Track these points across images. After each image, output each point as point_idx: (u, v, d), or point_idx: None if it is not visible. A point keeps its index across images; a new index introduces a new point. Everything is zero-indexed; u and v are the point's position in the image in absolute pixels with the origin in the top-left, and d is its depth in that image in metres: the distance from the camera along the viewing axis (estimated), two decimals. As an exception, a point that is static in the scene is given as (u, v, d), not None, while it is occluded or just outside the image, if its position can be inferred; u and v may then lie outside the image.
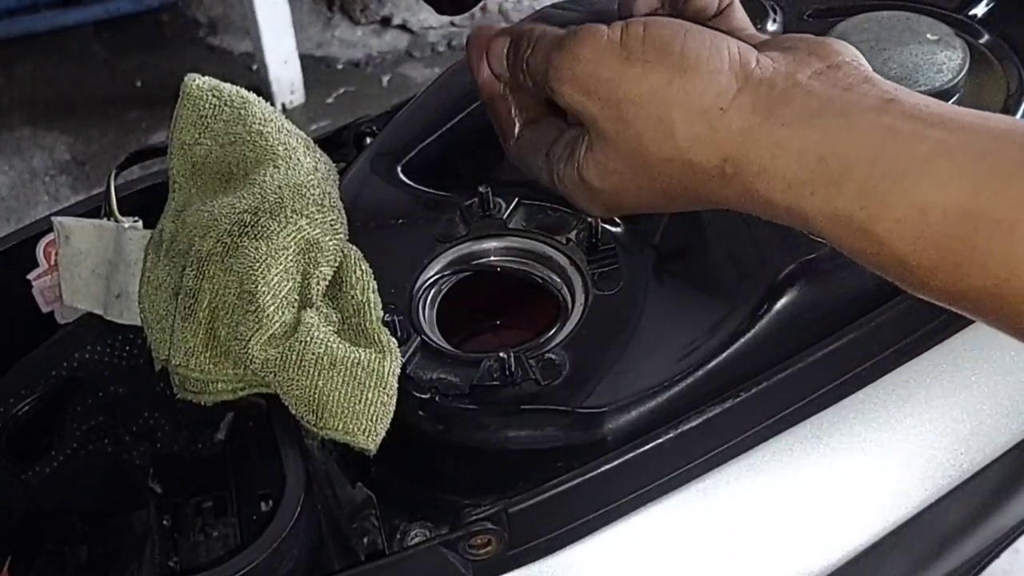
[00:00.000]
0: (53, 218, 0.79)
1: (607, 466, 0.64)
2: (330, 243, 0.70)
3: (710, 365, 0.66)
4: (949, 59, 0.78)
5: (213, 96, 0.77)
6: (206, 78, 0.79)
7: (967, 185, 0.48)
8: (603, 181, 0.60)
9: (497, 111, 0.69)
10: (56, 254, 0.79)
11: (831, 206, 0.51)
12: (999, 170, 0.48)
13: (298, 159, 0.75)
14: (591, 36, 0.58)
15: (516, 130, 0.68)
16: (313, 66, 2.71)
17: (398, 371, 0.66)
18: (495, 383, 0.67)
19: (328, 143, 0.84)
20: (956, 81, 0.77)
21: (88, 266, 0.78)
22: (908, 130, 0.50)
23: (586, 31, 0.58)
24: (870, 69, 0.55)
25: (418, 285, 0.74)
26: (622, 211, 0.63)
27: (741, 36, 0.62)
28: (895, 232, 0.50)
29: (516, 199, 0.77)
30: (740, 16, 0.66)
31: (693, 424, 0.65)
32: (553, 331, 0.71)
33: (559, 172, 0.63)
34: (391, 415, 0.65)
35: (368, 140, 0.86)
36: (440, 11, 0.70)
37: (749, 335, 0.67)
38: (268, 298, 0.67)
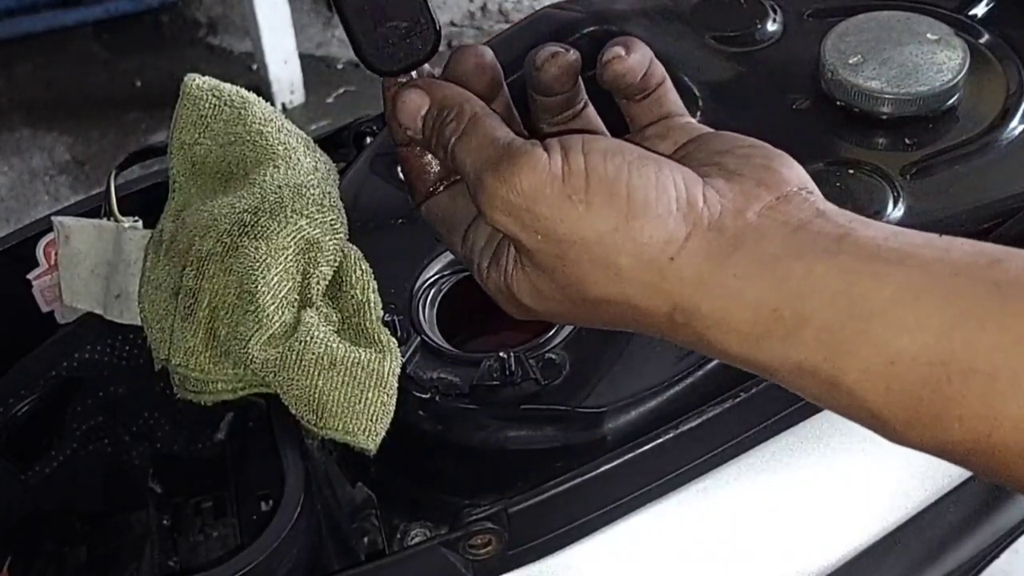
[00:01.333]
0: (53, 218, 0.79)
1: (607, 466, 0.64)
2: (330, 243, 0.70)
3: (710, 365, 0.66)
4: (949, 59, 0.78)
5: (213, 96, 0.77)
6: (206, 78, 0.79)
7: (935, 331, 0.44)
8: (534, 302, 0.54)
9: (406, 162, 0.61)
10: (56, 254, 0.79)
11: (792, 358, 0.48)
12: (969, 313, 0.44)
13: (298, 159, 0.75)
14: (529, 166, 0.51)
15: (428, 189, 0.61)
16: (313, 66, 2.71)
17: (398, 371, 0.66)
18: (495, 383, 0.67)
19: (328, 143, 0.84)
20: (956, 81, 0.77)
21: (88, 266, 0.78)
22: (867, 272, 0.46)
23: (524, 158, 0.51)
24: (820, 197, 0.51)
25: (418, 285, 0.74)
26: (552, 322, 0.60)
27: (677, 125, 0.58)
28: (863, 383, 0.46)
29: (516, 199, 0.77)
30: (673, 99, 0.59)
31: (693, 424, 0.65)
32: (553, 331, 0.71)
33: (480, 266, 0.57)
34: (391, 415, 0.65)
35: (368, 140, 0.86)
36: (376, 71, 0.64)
37: (749, 335, 0.67)
38: (268, 298, 0.67)
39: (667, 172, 0.51)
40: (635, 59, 0.57)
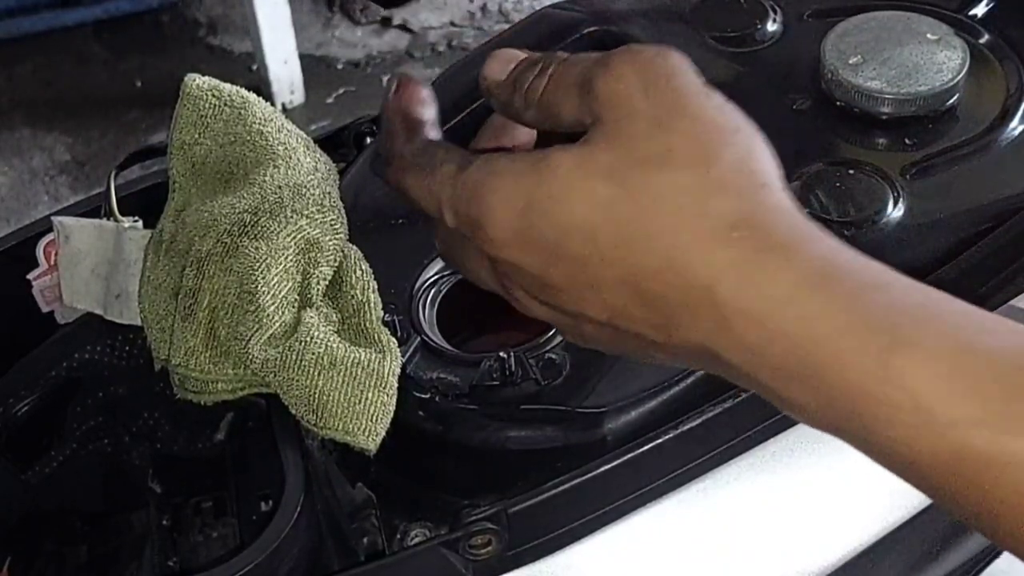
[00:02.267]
0: (53, 218, 0.78)
1: (607, 466, 0.64)
2: (330, 243, 0.70)
3: (710, 365, 0.66)
4: (949, 59, 0.78)
5: (213, 96, 0.77)
6: (206, 78, 0.79)
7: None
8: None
9: (414, 179, 0.53)
10: (56, 254, 0.79)
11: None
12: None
13: (298, 159, 0.75)
14: (665, 50, 0.48)
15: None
16: (313, 66, 2.71)
17: (398, 371, 0.66)
18: (495, 383, 0.67)
19: (328, 143, 0.84)
20: (956, 81, 0.77)
21: (88, 266, 0.78)
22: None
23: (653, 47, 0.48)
24: None
25: (418, 285, 0.74)
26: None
27: None
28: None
29: (516, 199, 0.77)
30: None
31: (693, 424, 0.65)
32: (553, 331, 0.71)
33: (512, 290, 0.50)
34: (391, 415, 0.65)
35: (368, 140, 0.86)
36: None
37: (749, 335, 0.67)
38: (268, 298, 0.67)
39: None
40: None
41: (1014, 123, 0.78)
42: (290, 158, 0.74)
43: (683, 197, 0.44)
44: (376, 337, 0.68)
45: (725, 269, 0.43)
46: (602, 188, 0.44)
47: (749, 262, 0.43)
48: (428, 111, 0.55)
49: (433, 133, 0.54)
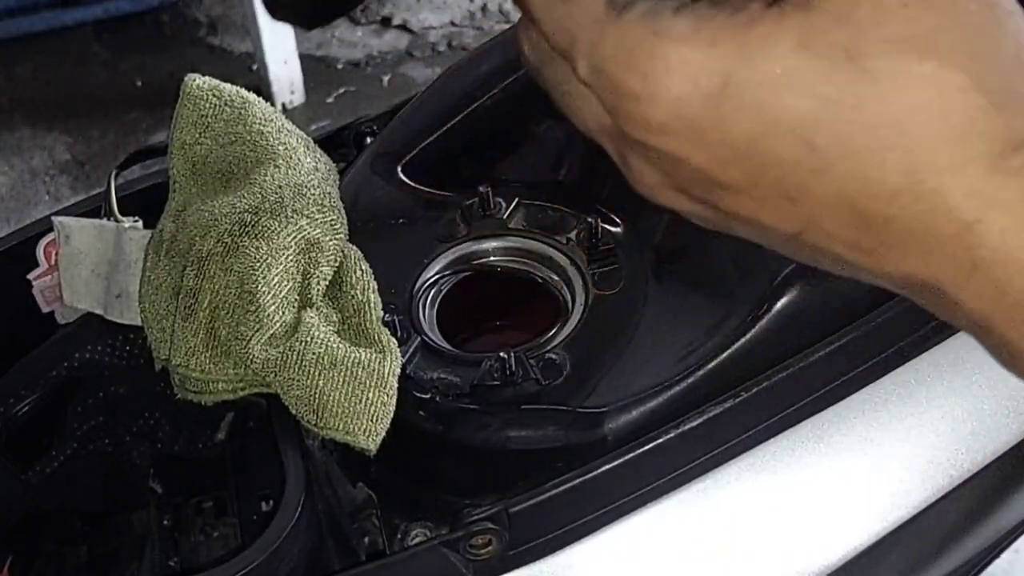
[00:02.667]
0: (53, 218, 0.79)
1: (607, 466, 0.64)
2: (330, 243, 0.70)
3: (710, 365, 0.66)
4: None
5: (213, 96, 0.77)
6: (206, 78, 0.79)
7: None
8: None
9: None
10: (56, 254, 0.79)
11: None
12: None
13: (298, 159, 0.75)
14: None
15: None
16: (313, 66, 2.71)
17: (398, 371, 0.66)
18: (496, 383, 0.67)
19: (328, 143, 0.84)
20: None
21: (88, 266, 0.78)
22: None
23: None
24: None
25: (418, 285, 0.74)
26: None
27: None
28: None
29: (516, 199, 0.77)
30: None
31: (693, 424, 0.65)
32: (553, 331, 0.71)
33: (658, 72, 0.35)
34: (391, 415, 0.65)
35: (368, 140, 0.86)
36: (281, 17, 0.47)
37: (749, 335, 0.67)
38: (268, 298, 0.67)
39: None
40: None
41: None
42: (290, 158, 0.74)
43: (945, 100, 0.33)
44: (376, 337, 0.68)
45: (996, 204, 0.33)
46: (833, 78, 0.34)
47: None
48: None
49: None
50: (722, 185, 0.36)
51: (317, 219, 0.70)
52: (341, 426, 0.64)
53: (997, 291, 0.35)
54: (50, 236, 0.79)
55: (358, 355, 0.65)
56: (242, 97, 0.78)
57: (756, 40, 0.34)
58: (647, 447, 0.64)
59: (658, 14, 0.35)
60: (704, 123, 0.35)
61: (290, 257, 0.68)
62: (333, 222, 0.71)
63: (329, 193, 0.73)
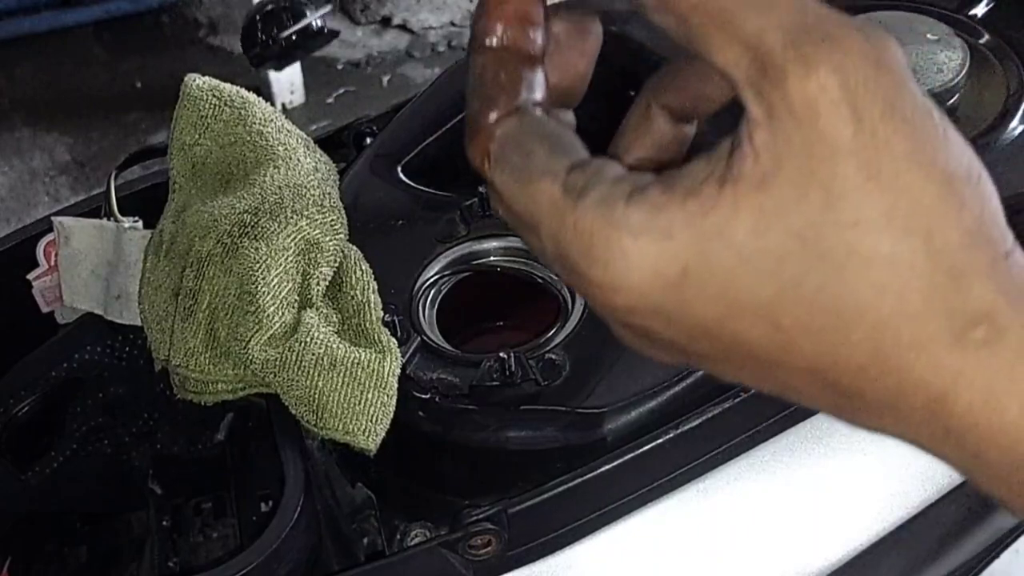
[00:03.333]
0: (53, 218, 0.79)
1: (607, 466, 0.64)
2: (330, 243, 0.70)
3: (710, 365, 0.66)
4: (949, 59, 0.78)
5: (213, 96, 0.77)
6: (206, 78, 0.79)
7: None
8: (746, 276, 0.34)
9: (497, 56, 0.41)
10: (56, 254, 0.79)
11: None
12: None
13: (298, 159, 0.75)
14: (893, 43, 0.34)
15: (514, 103, 0.40)
16: (313, 66, 2.71)
17: (398, 371, 0.66)
18: (495, 383, 0.67)
19: (328, 143, 0.84)
20: (956, 81, 0.77)
21: (88, 266, 0.78)
22: None
23: (883, 31, 0.34)
24: None
25: (418, 285, 0.74)
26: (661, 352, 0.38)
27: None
28: None
29: (516, 199, 0.77)
30: None
31: (692, 424, 0.65)
32: (553, 331, 0.71)
33: (623, 241, 0.35)
34: (391, 415, 0.65)
35: (368, 140, 0.86)
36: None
37: (749, 335, 0.67)
38: (268, 299, 0.67)
39: None
40: None
41: (1014, 123, 0.78)
42: (290, 159, 0.74)
43: (903, 280, 0.33)
44: (376, 337, 0.67)
45: (962, 379, 0.34)
46: (791, 262, 0.34)
47: (998, 373, 0.33)
48: (531, 51, 0.40)
49: (537, 94, 0.40)
50: (696, 354, 0.37)
51: (317, 220, 0.70)
52: (341, 426, 0.64)
53: (973, 455, 0.35)
54: (50, 236, 0.79)
55: (358, 355, 0.65)
56: (242, 97, 0.78)
57: (711, 229, 0.34)
58: (646, 447, 0.64)
59: (612, 203, 0.35)
60: (668, 307, 0.35)
61: (290, 258, 0.68)
62: (333, 222, 0.71)
63: (329, 193, 0.73)
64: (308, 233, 0.69)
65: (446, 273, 0.76)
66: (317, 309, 0.69)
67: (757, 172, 0.33)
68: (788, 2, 0.33)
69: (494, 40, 0.40)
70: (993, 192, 0.34)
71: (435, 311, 0.74)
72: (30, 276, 0.79)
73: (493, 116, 0.40)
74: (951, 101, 0.78)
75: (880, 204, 0.33)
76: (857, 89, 0.32)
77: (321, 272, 0.70)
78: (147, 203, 0.79)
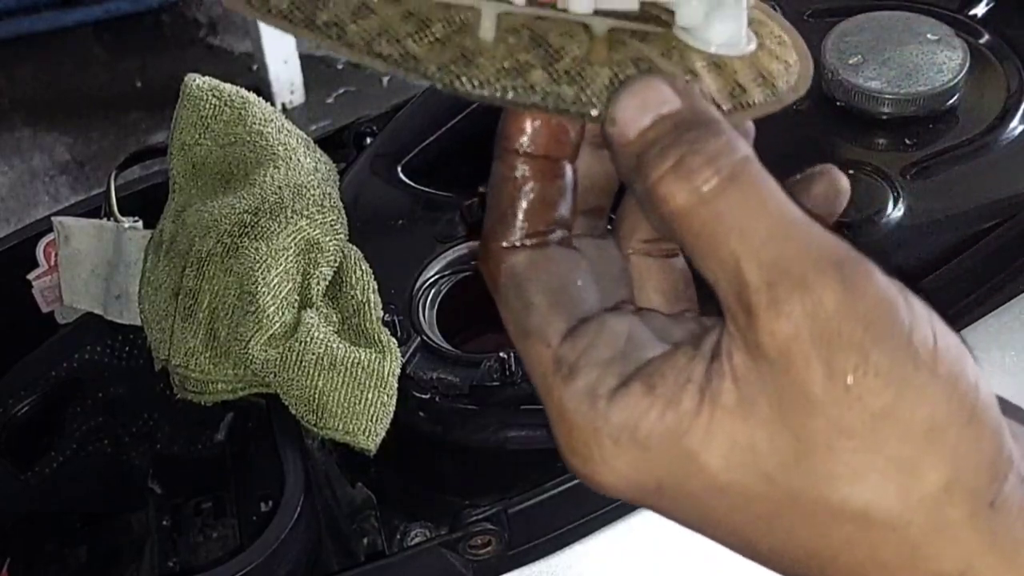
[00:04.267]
0: (53, 218, 0.78)
1: (607, 466, 0.63)
2: (330, 243, 0.70)
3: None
4: (949, 59, 0.78)
5: (213, 96, 0.77)
6: (206, 78, 0.79)
7: None
8: (720, 476, 0.34)
9: (517, 181, 0.38)
10: (56, 254, 0.79)
11: None
12: None
13: (298, 159, 0.75)
14: (875, 284, 0.32)
15: (528, 233, 0.38)
16: (313, 66, 2.71)
17: (398, 371, 0.66)
18: (495, 383, 0.67)
19: (328, 143, 0.84)
20: (956, 81, 0.77)
21: (88, 266, 0.77)
22: None
23: (865, 268, 0.32)
24: None
25: (418, 285, 0.74)
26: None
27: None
28: None
29: (516, 199, 0.77)
30: None
31: (693, 424, 0.65)
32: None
33: (597, 387, 0.35)
34: (391, 415, 0.65)
35: (368, 140, 0.86)
36: None
37: (749, 335, 0.67)
38: (268, 299, 0.66)
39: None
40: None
41: (1014, 123, 0.78)
42: (290, 158, 0.74)
43: (875, 533, 0.33)
44: (376, 337, 0.67)
45: None
46: (762, 500, 0.34)
47: None
48: (561, 158, 0.38)
49: (560, 211, 0.38)
50: (677, 521, 0.37)
51: (317, 220, 0.70)
52: (341, 426, 0.64)
53: None
54: (50, 236, 0.79)
55: (358, 355, 0.65)
56: (242, 97, 0.78)
57: (685, 453, 0.33)
58: (647, 447, 0.64)
59: (596, 398, 0.35)
60: (648, 503, 0.36)
61: (290, 258, 0.68)
62: (333, 222, 0.71)
63: (329, 193, 0.73)
64: (308, 233, 0.69)
65: (446, 273, 0.76)
66: (317, 309, 0.69)
67: (733, 398, 0.33)
68: (768, 228, 0.32)
69: (522, 144, 0.38)
70: (992, 429, 0.33)
71: (435, 311, 0.74)
72: (30, 276, 0.79)
73: (505, 243, 0.39)
74: (951, 101, 0.78)
75: (852, 460, 0.32)
76: (830, 341, 0.31)
77: (321, 272, 0.70)
78: (147, 203, 0.79)
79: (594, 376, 0.35)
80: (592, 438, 0.35)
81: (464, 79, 0.35)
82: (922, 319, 0.32)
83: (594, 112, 0.35)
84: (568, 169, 0.39)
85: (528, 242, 0.38)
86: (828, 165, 0.41)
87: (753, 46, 0.39)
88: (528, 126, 0.38)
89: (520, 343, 0.37)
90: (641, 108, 0.34)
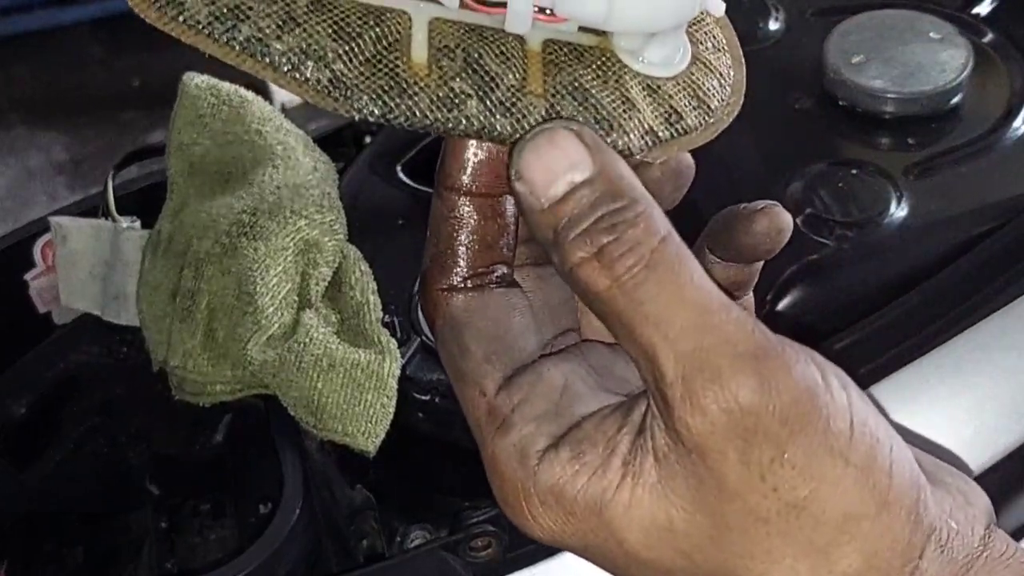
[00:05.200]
0: (50, 218, 0.78)
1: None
2: (329, 244, 0.70)
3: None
4: (953, 58, 0.78)
5: (211, 95, 0.77)
6: (204, 77, 0.78)
7: None
8: (633, 546, 0.35)
9: (461, 218, 0.38)
10: (53, 254, 0.78)
11: None
12: None
13: (297, 159, 0.74)
14: (792, 377, 0.33)
15: (454, 279, 0.39)
16: (312, 65, 2.71)
17: (397, 372, 0.65)
18: (495, 384, 0.67)
19: (328, 143, 0.84)
20: (959, 80, 0.77)
21: (85, 267, 0.77)
22: None
23: (781, 361, 0.33)
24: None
25: (418, 286, 0.74)
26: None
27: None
28: None
29: (516, 199, 0.77)
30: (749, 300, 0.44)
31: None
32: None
33: (527, 446, 0.35)
34: (390, 416, 0.65)
35: (368, 140, 0.85)
36: None
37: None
38: (267, 299, 0.66)
39: (906, 449, 0.36)
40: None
41: (1018, 122, 0.78)
42: (289, 158, 0.74)
43: None
44: (375, 338, 0.67)
45: None
46: (681, 573, 0.35)
47: None
48: (502, 197, 0.37)
49: (500, 252, 0.38)
50: None
51: (316, 220, 0.70)
52: (340, 428, 0.64)
53: None
54: (47, 236, 0.79)
55: (357, 356, 0.65)
56: (240, 96, 0.78)
57: (606, 525, 0.34)
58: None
59: (527, 456, 0.35)
60: (576, 551, 0.36)
61: (288, 258, 0.68)
62: (332, 222, 0.71)
63: (328, 193, 0.73)
64: (307, 233, 0.69)
65: (446, 273, 0.75)
66: (316, 310, 0.68)
67: (654, 476, 0.33)
68: (685, 319, 0.32)
69: (462, 182, 0.37)
70: (907, 510, 0.34)
71: (435, 312, 0.74)
72: (27, 276, 0.79)
73: (443, 283, 0.39)
74: (954, 101, 0.78)
75: (767, 543, 0.33)
76: (746, 436, 0.32)
77: (320, 272, 0.69)
78: (145, 203, 0.79)
79: (527, 432, 0.35)
80: (522, 494, 0.35)
81: (398, 111, 0.34)
82: (840, 406, 0.33)
83: None
84: (509, 205, 0.38)
85: (468, 283, 0.38)
86: (773, 204, 0.41)
87: (688, 60, 0.39)
88: (469, 163, 0.37)
89: (456, 386, 0.38)
90: (550, 171, 0.33)
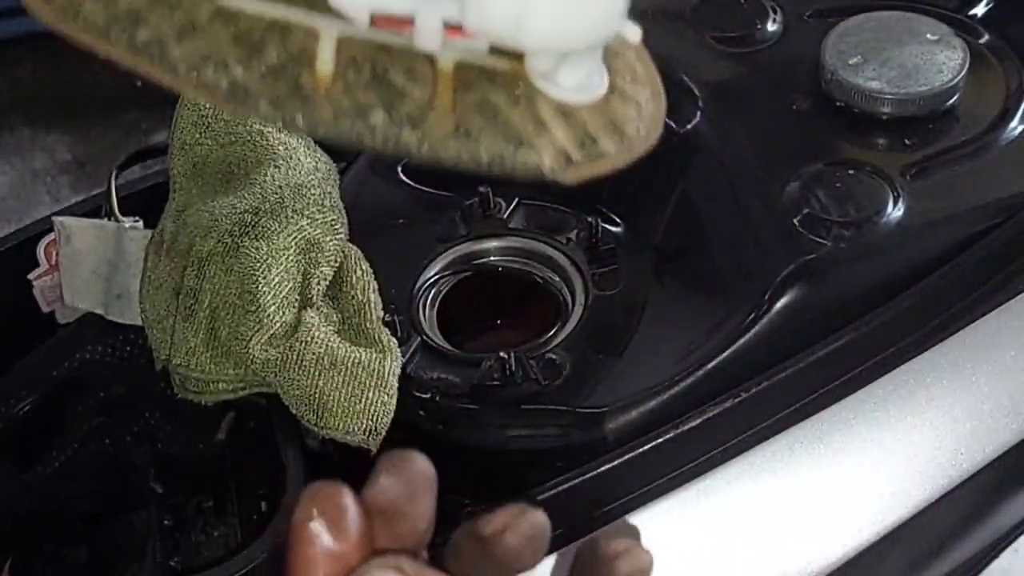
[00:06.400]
0: (54, 218, 0.79)
1: (607, 466, 0.64)
2: (330, 243, 0.70)
3: (710, 365, 0.66)
4: (949, 59, 0.78)
5: (214, 96, 0.77)
6: (207, 78, 0.78)
7: None
8: None
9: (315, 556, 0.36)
10: (57, 254, 0.79)
11: None
12: None
13: (299, 159, 0.75)
14: None
15: None
16: (314, 66, 2.71)
17: (398, 371, 0.66)
18: (496, 383, 0.67)
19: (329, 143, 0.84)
20: (956, 81, 0.77)
21: (89, 266, 0.78)
22: None
23: None
24: None
25: (418, 285, 0.74)
26: None
27: None
28: None
29: (517, 199, 0.77)
30: None
31: (693, 424, 0.65)
32: (554, 331, 0.71)
33: None
34: (392, 415, 0.65)
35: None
36: None
37: (749, 335, 0.67)
38: (269, 298, 0.67)
39: None
40: None
41: (1014, 123, 0.78)
42: (291, 158, 0.74)
43: None
44: (376, 337, 0.68)
45: None
46: None
47: None
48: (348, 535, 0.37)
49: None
50: None
51: (317, 219, 0.70)
52: (341, 426, 0.64)
53: None
54: (51, 236, 0.79)
55: (358, 355, 0.65)
56: (242, 97, 0.78)
57: None
58: (647, 447, 0.64)
59: None
60: None
61: (290, 257, 0.68)
62: (333, 222, 0.71)
63: (329, 193, 0.73)
64: (309, 233, 0.69)
65: (446, 273, 0.76)
66: (318, 309, 0.69)
67: None
68: None
69: (310, 528, 0.36)
70: None
71: (435, 311, 0.74)
72: (31, 276, 0.79)
73: None
74: (951, 101, 0.78)
75: None
76: None
77: (321, 272, 0.70)
78: (148, 203, 0.79)
79: None
80: None
81: (299, 119, 0.33)
82: None
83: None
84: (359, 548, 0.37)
85: None
86: (634, 543, 0.43)
87: (604, 87, 0.38)
88: (313, 509, 0.36)
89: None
90: None
